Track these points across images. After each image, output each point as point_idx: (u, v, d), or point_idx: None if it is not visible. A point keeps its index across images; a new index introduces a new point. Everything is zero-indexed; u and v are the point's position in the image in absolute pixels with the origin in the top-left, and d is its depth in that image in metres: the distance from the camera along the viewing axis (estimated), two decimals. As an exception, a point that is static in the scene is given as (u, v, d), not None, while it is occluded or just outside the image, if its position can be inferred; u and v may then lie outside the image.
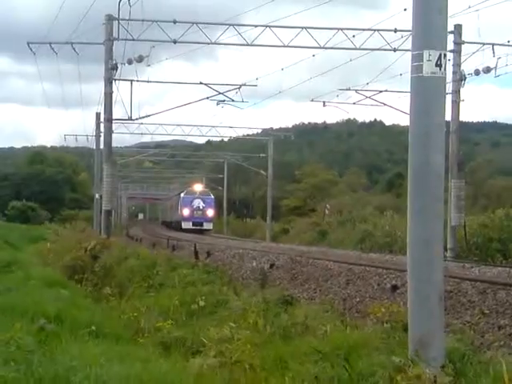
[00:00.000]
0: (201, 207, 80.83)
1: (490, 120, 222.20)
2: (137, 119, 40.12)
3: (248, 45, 37.14)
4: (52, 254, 30.96)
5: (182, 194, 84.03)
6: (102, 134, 41.48)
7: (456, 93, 34.77)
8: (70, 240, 33.41)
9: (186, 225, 79.04)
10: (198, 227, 77.67)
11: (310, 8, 69.44)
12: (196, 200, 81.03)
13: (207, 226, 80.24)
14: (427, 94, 8.59)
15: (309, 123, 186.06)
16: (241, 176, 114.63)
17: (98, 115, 56.94)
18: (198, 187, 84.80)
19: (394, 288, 16.94)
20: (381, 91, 41.16)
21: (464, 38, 35.05)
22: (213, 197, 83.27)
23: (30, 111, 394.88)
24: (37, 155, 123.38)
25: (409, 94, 8.88)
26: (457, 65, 34.66)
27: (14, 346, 9.28)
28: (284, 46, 36.60)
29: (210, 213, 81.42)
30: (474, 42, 35.03)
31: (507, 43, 34.04)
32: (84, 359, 9.18)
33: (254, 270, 24.27)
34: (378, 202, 79.28)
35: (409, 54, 8.96)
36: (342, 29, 35.70)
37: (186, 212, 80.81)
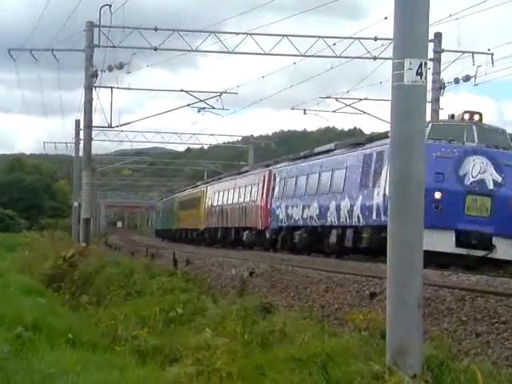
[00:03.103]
0: (490, 185, 25.19)
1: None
2: (117, 126, 40.08)
3: (229, 52, 37.22)
4: (30, 262, 30.83)
5: (382, 145, 26.15)
6: (82, 142, 41.36)
7: (435, 101, 34.91)
8: (49, 248, 33.27)
9: (436, 243, 23.30)
10: (477, 252, 24.60)
11: (291, 16, 69.56)
12: (474, 160, 25.09)
13: (504, 249, 24.77)
14: (408, 102, 8.59)
15: (289, 131, 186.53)
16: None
17: (77, 122, 56.70)
18: (476, 117, 25.69)
19: (373, 295, 16.93)
20: (361, 99, 41.47)
21: (444, 46, 35.22)
22: None
23: (8, 118, 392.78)
24: (15, 162, 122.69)
25: (389, 102, 8.90)
26: (436, 73, 34.81)
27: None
28: (265, 54, 36.69)
29: None
30: (454, 51, 35.26)
31: (487, 51, 34.25)
32: (61, 367, 9.15)
33: (234, 278, 24.19)
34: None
35: (389, 63, 9.01)
36: (322, 37, 35.82)
37: (437, 195, 24.46)
